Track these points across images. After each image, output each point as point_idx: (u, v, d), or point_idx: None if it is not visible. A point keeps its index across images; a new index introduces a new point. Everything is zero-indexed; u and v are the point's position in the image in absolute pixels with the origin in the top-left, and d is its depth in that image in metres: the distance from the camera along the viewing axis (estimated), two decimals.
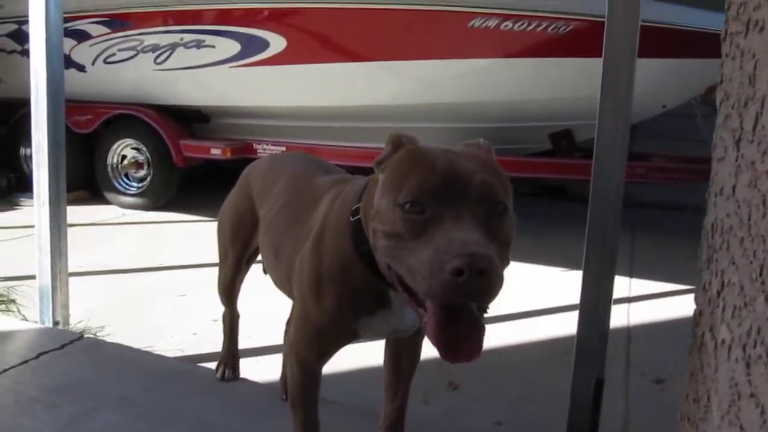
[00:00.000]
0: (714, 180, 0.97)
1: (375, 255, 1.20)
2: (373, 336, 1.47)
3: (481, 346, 1.09)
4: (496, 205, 1.09)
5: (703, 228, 1.02)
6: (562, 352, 2.85)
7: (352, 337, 1.42)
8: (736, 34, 0.91)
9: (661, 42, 4.34)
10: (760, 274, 0.73)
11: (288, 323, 2.13)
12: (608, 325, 1.91)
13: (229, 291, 2.10)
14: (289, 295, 1.64)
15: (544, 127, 5.10)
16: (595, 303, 1.87)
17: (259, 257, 1.92)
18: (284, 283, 1.64)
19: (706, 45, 4.47)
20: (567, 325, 3.14)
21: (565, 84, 4.69)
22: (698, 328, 1.01)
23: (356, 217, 1.29)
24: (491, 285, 1.00)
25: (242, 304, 2.22)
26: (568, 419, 1.88)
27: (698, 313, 1.01)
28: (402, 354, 1.66)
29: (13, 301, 3.07)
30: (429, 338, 1.09)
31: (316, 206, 1.51)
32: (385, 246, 1.12)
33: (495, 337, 3.04)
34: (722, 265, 0.87)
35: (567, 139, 5.17)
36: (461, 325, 1.08)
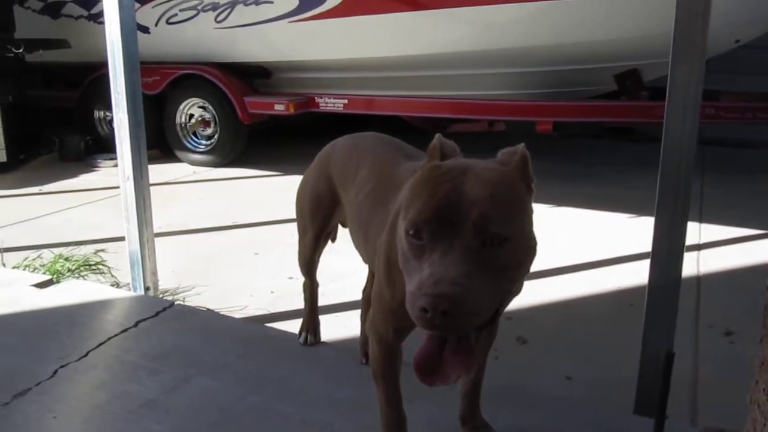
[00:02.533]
0: None
1: None
2: None
3: (463, 371, 1.15)
4: (492, 237, 1.11)
5: None
6: (630, 304, 2.89)
7: None
8: None
9: None
10: None
11: (364, 295, 2.24)
12: (680, 277, 1.88)
13: (309, 264, 2.21)
14: None
15: (609, 68, 4.98)
16: (666, 252, 1.84)
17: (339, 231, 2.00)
18: (373, 264, 1.71)
19: None
20: (636, 274, 3.17)
21: (630, 22, 4.54)
22: None
23: None
24: (455, 323, 1.06)
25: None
26: (638, 386, 1.93)
27: None
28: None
29: (103, 264, 3.29)
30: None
31: (397, 192, 1.55)
32: (401, 259, 1.20)
33: (562, 288, 3.13)
34: None
35: (633, 80, 5.04)
36: (444, 349, 1.15)
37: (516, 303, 2.80)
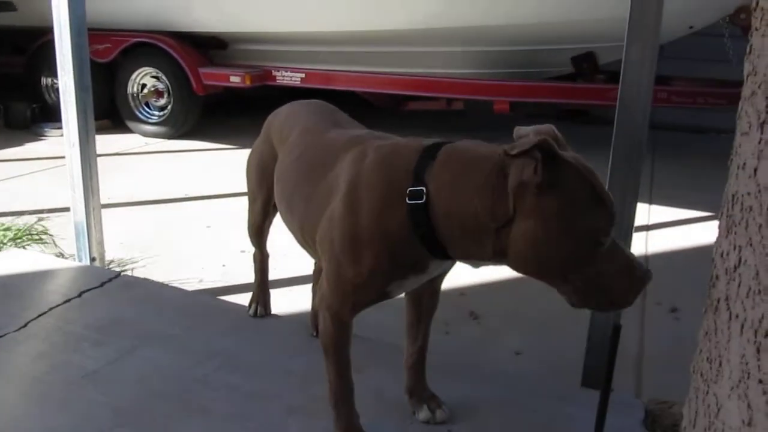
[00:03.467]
0: (737, 152, 1.00)
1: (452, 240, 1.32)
2: (401, 292, 1.55)
3: None
4: None
5: (724, 194, 1.06)
6: None
7: (384, 296, 1.50)
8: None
9: None
10: None
11: (316, 268, 2.21)
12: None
13: (258, 233, 2.17)
14: (304, 245, 1.71)
15: (566, 50, 5.02)
16: (616, 231, 1.88)
17: None
18: (297, 234, 1.70)
19: None
20: None
21: (588, 5, 4.57)
22: (714, 291, 1.06)
23: (417, 201, 1.33)
24: None
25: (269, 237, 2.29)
26: (585, 360, 1.97)
27: (715, 276, 1.06)
28: (422, 297, 1.73)
29: (47, 233, 3.18)
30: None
31: (333, 164, 1.54)
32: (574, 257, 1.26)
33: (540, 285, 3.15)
34: (740, 240, 0.91)
35: (590, 62, 5.09)
36: None
37: (469, 279, 2.86)
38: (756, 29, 0.97)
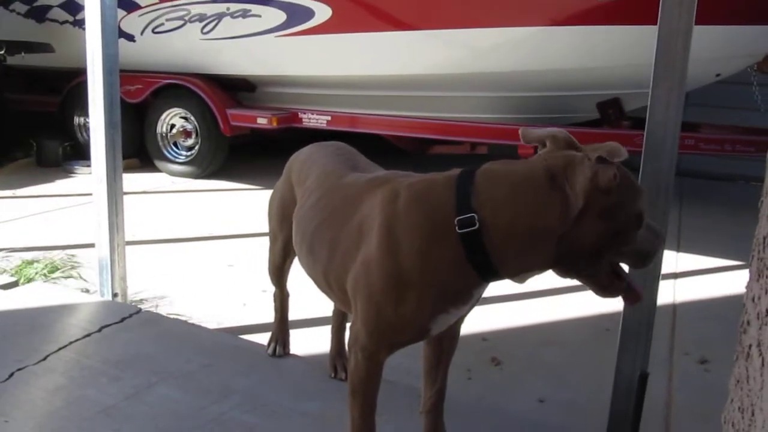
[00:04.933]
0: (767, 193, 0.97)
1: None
2: (442, 329, 1.53)
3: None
4: None
5: (755, 238, 1.03)
6: (605, 329, 2.87)
7: (425, 334, 1.49)
8: None
9: (716, 7, 4.20)
10: None
11: (336, 309, 2.19)
12: (655, 303, 1.89)
13: (278, 272, 2.17)
14: (326, 290, 1.69)
15: (591, 96, 5.02)
16: (642, 278, 1.82)
17: None
18: (320, 280, 1.68)
19: (764, 10, 4.31)
20: (613, 299, 3.14)
21: (613, 52, 4.58)
22: (745, 337, 1.02)
23: (469, 228, 1.34)
24: None
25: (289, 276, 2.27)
26: (611, 408, 1.91)
27: (746, 321, 1.02)
28: (442, 340, 1.70)
29: (73, 267, 3.21)
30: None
31: (356, 208, 1.53)
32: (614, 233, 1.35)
33: (539, 311, 3.10)
34: None
35: (615, 108, 5.08)
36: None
37: (491, 324, 2.81)
38: None
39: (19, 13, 6.29)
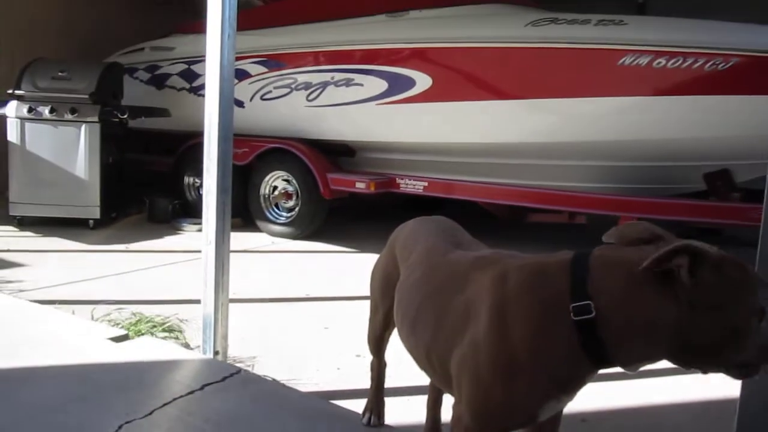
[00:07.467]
0: None
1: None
2: (550, 415, 1.49)
3: None
4: None
5: None
6: (717, 417, 2.68)
7: (532, 420, 1.46)
8: None
9: None
10: None
11: (431, 385, 2.16)
12: None
13: (378, 343, 2.18)
14: (426, 368, 1.68)
15: (698, 167, 4.85)
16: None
17: None
18: (422, 358, 1.68)
19: None
20: (726, 384, 2.93)
21: (722, 122, 4.43)
22: None
23: (585, 317, 1.33)
24: None
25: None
26: None
27: None
28: (544, 426, 1.64)
29: (179, 326, 3.34)
30: None
31: (461, 287, 1.54)
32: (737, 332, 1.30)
33: (642, 393, 2.94)
34: None
35: (724, 180, 4.87)
36: None
37: (591, 405, 2.69)
38: None
39: (141, 81, 6.81)
